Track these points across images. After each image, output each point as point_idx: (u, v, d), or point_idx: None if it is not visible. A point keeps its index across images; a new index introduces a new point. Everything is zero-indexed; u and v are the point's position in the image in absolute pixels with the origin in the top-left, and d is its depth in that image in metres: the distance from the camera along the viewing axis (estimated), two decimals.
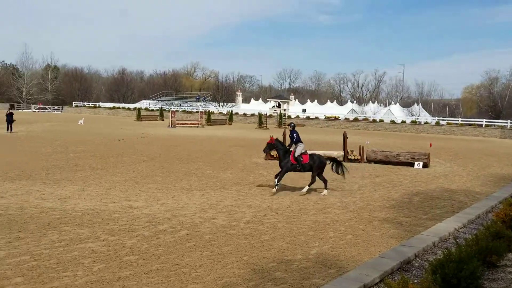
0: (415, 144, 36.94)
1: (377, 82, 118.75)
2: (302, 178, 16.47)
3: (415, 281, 6.55)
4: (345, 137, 24.22)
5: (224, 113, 75.65)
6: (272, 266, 7.77)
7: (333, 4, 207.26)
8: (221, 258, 8.12)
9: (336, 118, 69.96)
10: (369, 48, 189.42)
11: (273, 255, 8.39)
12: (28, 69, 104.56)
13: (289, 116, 70.68)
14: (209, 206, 12.35)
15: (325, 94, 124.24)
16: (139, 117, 66.25)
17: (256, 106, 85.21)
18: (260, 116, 60.41)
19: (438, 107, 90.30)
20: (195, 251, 8.51)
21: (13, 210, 11.23)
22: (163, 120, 67.14)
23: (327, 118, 70.44)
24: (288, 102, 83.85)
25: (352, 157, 23.56)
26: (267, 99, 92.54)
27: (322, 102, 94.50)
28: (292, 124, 15.54)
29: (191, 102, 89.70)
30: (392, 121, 65.71)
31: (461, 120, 65.16)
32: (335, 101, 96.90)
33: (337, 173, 15.11)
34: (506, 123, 59.42)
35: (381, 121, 66.30)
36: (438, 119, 68.31)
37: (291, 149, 14.77)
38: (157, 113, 72.48)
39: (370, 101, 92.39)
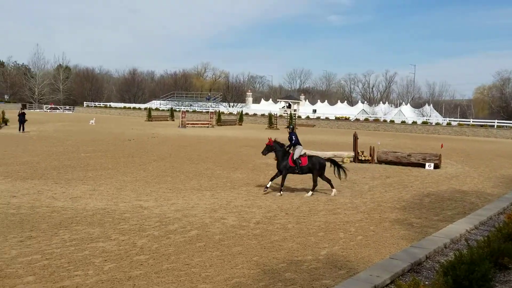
0: (426, 145, 36.75)
1: (388, 82, 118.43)
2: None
3: (426, 282, 6.51)
4: (355, 138, 24.14)
5: (234, 114, 75.74)
6: (282, 267, 7.76)
7: (344, 4, 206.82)
8: (231, 259, 8.12)
9: (347, 119, 69.79)
10: (380, 48, 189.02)
11: (283, 255, 8.38)
12: (40, 70, 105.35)
13: (299, 117, 70.60)
14: (219, 206, 12.37)
15: (336, 94, 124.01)
16: (149, 117, 66.52)
17: (266, 107, 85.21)
18: (270, 116, 60.42)
19: (449, 108, 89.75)
20: (205, 251, 8.52)
21: (25, 209, 11.31)
22: (173, 120, 67.37)
23: (337, 118, 70.30)
24: (298, 102, 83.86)
25: (363, 158, 23.47)
26: (277, 100, 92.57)
27: (332, 103, 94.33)
28: (291, 126, 15.48)
29: (201, 103, 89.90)
30: (403, 122, 65.40)
31: (472, 121, 64.73)
32: (345, 101, 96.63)
33: (337, 175, 14.94)
34: None
35: (392, 121, 66.03)
36: (449, 120, 67.93)
37: (290, 151, 14.70)
38: (168, 113, 72.74)
39: (381, 102, 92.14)
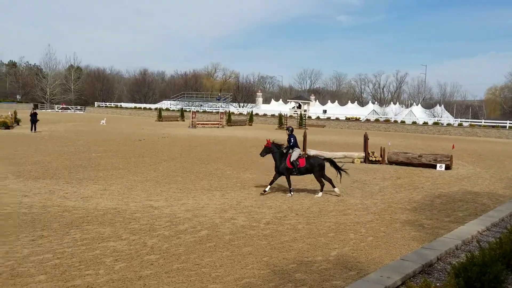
0: (437, 146, 36.53)
1: (398, 83, 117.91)
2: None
3: (438, 284, 6.47)
4: (366, 139, 24.05)
5: (244, 114, 75.79)
6: (292, 267, 7.75)
7: (354, 4, 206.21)
8: (241, 259, 8.12)
9: (357, 119, 69.55)
10: (391, 48, 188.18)
11: (293, 256, 8.37)
12: (51, 70, 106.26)
13: (309, 117, 70.51)
14: (229, 207, 12.38)
15: (346, 95, 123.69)
16: (160, 117, 66.75)
17: (276, 107, 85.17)
18: (280, 117, 60.38)
19: (460, 109, 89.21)
20: (215, 251, 8.53)
21: (37, 209, 11.40)
22: (183, 120, 67.52)
23: (347, 119, 70.09)
24: (309, 103, 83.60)
25: (373, 159, 23.39)
26: (288, 100, 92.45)
27: (342, 103, 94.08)
28: (290, 128, 15.44)
29: (211, 103, 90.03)
30: (414, 123, 65.08)
31: (484, 122, 64.19)
32: (356, 102, 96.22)
33: (340, 171, 14.93)
34: None
35: (403, 122, 65.72)
36: (460, 121, 67.45)
37: (288, 152, 14.68)
38: (178, 114, 72.90)
39: (392, 102, 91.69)
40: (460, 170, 22.00)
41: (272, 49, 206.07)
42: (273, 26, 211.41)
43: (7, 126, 38.47)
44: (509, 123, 60.91)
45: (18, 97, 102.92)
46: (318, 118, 72.89)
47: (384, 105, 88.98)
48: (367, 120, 68.92)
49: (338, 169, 14.77)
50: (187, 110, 75.27)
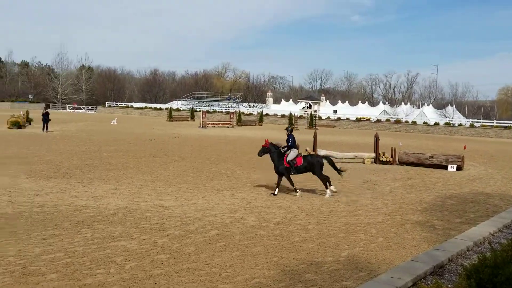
0: (448, 147, 36.30)
1: (409, 83, 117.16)
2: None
3: (449, 285, 6.43)
4: (376, 139, 23.95)
5: (254, 114, 75.81)
6: (302, 268, 7.73)
7: (365, 4, 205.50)
8: (251, 259, 8.12)
9: (368, 120, 69.32)
10: (402, 48, 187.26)
11: (303, 256, 8.35)
12: (63, 70, 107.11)
13: (319, 117, 70.38)
14: (239, 207, 12.39)
15: (357, 95, 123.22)
16: (170, 117, 66.96)
17: (287, 107, 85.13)
18: (290, 117, 60.37)
19: (472, 109, 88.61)
20: (225, 251, 8.54)
21: (48, 208, 11.48)
22: (194, 120, 67.69)
23: (358, 119, 69.86)
24: (319, 103, 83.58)
25: (384, 159, 23.29)
26: (298, 100, 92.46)
27: (353, 103, 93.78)
28: (290, 129, 15.46)
29: (221, 103, 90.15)
30: (425, 123, 64.74)
31: (496, 122, 63.67)
32: (366, 102, 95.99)
33: (337, 171, 14.92)
34: None
35: (414, 122, 65.38)
36: (472, 121, 66.98)
37: (286, 152, 14.69)
38: (188, 114, 73.10)
39: (403, 103, 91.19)
40: (472, 171, 21.84)
41: (282, 49, 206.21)
42: (284, 26, 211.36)
43: (19, 126, 38.79)
44: None
45: (30, 96, 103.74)
46: (328, 118, 72.73)
47: (395, 106, 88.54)
48: (378, 121, 68.62)
49: (336, 169, 14.80)
50: (198, 110, 75.44)
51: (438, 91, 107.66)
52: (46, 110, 38.69)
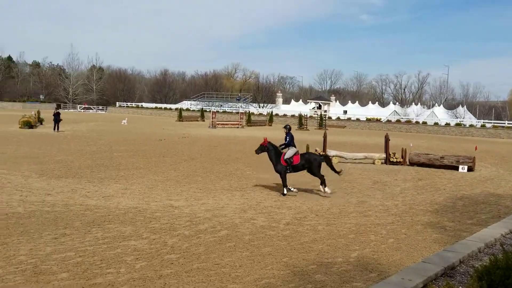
0: (459, 147, 36.07)
1: (420, 83, 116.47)
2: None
3: (460, 287, 6.38)
4: (387, 139, 23.85)
5: (264, 114, 75.82)
6: (312, 269, 7.72)
7: (375, 4, 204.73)
8: (261, 259, 8.12)
9: (378, 120, 69.05)
10: (412, 48, 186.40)
11: (313, 257, 8.33)
12: (74, 70, 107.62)
13: (329, 118, 70.22)
14: (249, 207, 12.39)
15: (367, 95, 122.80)
16: (180, 117, 67.10)
17: (296, 107, 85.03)
18: (300, 117, 60.21)
19: (483, 110, 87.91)
20: (235, 251, 8.54)
21: (59, 207, 11.55)
22: (203, 120, 67.79)
23: (368, 119, 69.62)
24: (329, 103, 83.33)
25: (394, 160, 23.18)
26: (308, 100, 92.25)
27: (363, 104, 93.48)
28: (288, 127, 15.50)
29: (231, 103, 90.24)
30: (436, 124, 64.38)
31: (507, 123, 63.17)
32: (376, 102, 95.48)
33: (334, 171, 14.94)
34: None
35: (424, 123, 65.07)
36: (483, 122, 66.44)
37: (283, 151, 14.72)
38: (198, 114, 73.22)
39: (413, 103, 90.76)
40: (483, 172, 21.68)
41: (292, 49, 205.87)
42: (294, 27, 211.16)
43: (30, 126, 39.05)
44: None
45: (41, 97, 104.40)
46: (338, 118, 72.56)
47: (406, 106, 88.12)
48: (388, 121, 68.34)
49: (334, 170, 14.80)
50: (207, 110, 75.58)
51: (449, 91, 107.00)
52: (57, 110, 38.89)
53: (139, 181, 15.84)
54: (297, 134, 43.85)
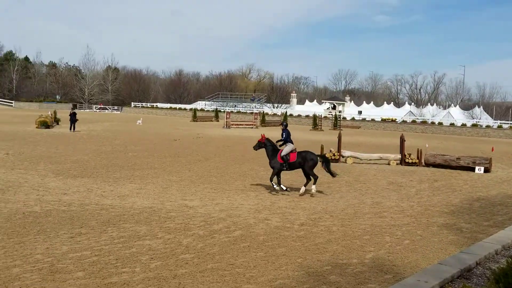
0: (475, 148, 35.70)
1: (436, 83, 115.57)
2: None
3: None
4: (402, 140, 23.68)
5: (278, 115, 75.72)
6: (326, 270, 7.69)
7: (391, 4, 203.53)
8: (275, 260, 8.11)
9: (393, 121, 68.56)
10: (428, 49, 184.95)
11: (328, 258, 8.31)
12: (90, 71, 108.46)
13: (344, 118, 69.95)
14: (263, 207, 12.38)
15: (382, 96, 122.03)
16: (194, 117, 67.28)
17: (311, 108, 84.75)
18: (314, 117, 60.01)
19: (500, 110, 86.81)
20: (249, 251, 8.54)
21: (75, 207, 11.66)
22: (218, 121, 67.87)
23: (383, 120, 69.16)
24: (343, 103, 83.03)
25: (410, 161, 23.00)
26: (322, 101, 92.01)
27: (378, 104, 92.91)
28: (285, 124, 15.68)
29: (245, 103, 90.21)
30: (452, 124, 63.80)
31: None
32: (392, 103, 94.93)
33: (330, 173, 14.83)
34: None
35: (440, 124, 64.50)
36: (500, 123, 65.65)
37: (280, 147, 14.76)
38: (212, 114, 73.33)
39: (429, 103, 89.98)
40: (500, 173, 21.44)
41: (307, 50, 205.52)
42: (309, 27, 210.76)
43: (47, 126, 39.44)
44: None
45: (57, 97, 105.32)
46: (353, 119, 72.21)
47: (421, 106, 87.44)
48: (404, 122, 67.85)
49: (330, 172, 14.76)
50: (222, 110, 75.64)
51: (465, 92, 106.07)
52: (74, 110, 39.20)
53: (154, 181, 15.92)
54: (311, 135, 43.80)
